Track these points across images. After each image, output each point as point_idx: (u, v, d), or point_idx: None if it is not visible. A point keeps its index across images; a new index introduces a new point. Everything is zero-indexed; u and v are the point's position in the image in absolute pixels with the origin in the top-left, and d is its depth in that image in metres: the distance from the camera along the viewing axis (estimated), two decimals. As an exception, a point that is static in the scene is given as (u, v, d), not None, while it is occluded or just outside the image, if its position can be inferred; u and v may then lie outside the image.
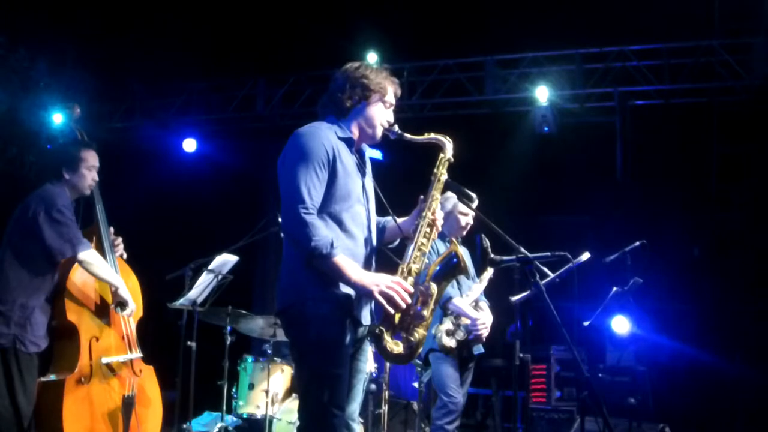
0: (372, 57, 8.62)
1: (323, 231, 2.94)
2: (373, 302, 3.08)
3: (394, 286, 2.97)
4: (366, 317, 3.12)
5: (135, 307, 4.41)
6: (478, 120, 8.97)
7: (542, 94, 8.35)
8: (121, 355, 4.39)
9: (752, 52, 7.83)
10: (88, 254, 4.15)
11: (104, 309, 4.37)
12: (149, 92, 9.81)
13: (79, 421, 4.09)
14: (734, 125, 8.16)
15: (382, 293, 2.96)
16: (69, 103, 4.75)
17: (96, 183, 4.45)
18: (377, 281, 2.98)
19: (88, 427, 4.13)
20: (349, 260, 2.99)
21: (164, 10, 8.29)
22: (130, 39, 8.55)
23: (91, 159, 4.34)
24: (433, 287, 3.10)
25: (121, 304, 4.33)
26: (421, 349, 3.12)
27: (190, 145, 9.73)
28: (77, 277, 4.26)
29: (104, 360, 4.27)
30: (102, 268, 4.23)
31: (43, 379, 4.12)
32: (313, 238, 2.90)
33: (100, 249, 4.43)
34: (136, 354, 4.46)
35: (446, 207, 4.84)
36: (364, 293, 3.00)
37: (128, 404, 4.31)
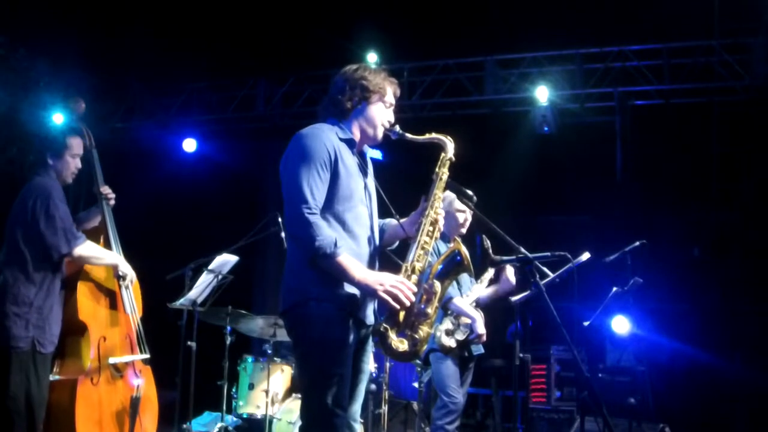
0: (372, 57, 8.62)
1: (327, 231, 2.94)
2: (376, 302, 3.09)
3: (398, 285, 2.97)
4: (370, 317, 3.12)
5: (134, 276, 4.37)
6: (478, 120, 8.97)
7: (542, 94, 8.34)
8: (127, 356, 4.37)
9: (752, 52, 7.83)
10: (84, 248, 4.06)
11: (112, 309, 4.35)
12: (149, 92, 9.81)
13: (90, 421, 4.07)
14: (734, 125, 8.16)
15: (386, 291, 2.96)
16: (72, 97, 4.67)
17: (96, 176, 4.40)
18: (381, 280, 2.98)
19: (98, 427, 4.12)
20: (353, 260, 2.98)
21: (164, 9, 8.28)
22: (130, 39, 8.54)
23: (77, 147, 4.22)
24: (437, 285, 3.11)
25: (122, 277, 4.31)
26: (425, 347, 3.12)
27: (190, 145, 9.74)
28: (89, 275, 4.24)
29: (111, 360, 4.26)
30: (99, 256, 4.17)
31: (52, 378, 4.07)
32: (317, 238, 2.89)
33: (107, 246, 4.41)
34: (143, 355, 4.44)
35: (443, 205, 4.83)
36: (368, 292, 2.99)
37: (135, 405, 4.31)
